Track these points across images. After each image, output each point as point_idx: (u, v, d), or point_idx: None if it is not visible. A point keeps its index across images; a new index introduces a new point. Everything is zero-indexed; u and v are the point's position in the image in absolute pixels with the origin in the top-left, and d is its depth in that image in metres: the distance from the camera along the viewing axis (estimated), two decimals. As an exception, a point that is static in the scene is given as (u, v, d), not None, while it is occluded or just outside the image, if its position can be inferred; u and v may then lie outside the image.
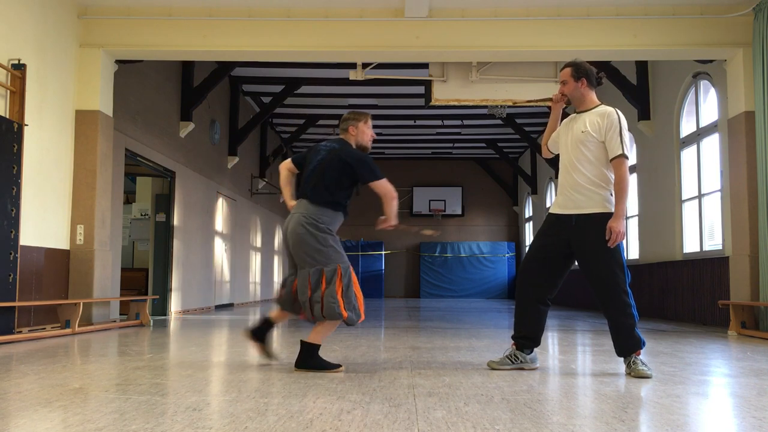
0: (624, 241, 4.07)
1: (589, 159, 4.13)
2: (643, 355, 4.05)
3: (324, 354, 4.50)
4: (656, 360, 4.78)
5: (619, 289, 4.01)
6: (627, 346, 4.03)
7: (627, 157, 4.04)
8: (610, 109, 4.16)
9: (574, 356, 5.15)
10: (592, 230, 4.04)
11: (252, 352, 4.92)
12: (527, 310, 4.25)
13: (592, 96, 4.26)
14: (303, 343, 4.08)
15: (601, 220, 4.03)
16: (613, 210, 4.04)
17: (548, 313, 4.30)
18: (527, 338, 4.22)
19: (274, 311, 4.36)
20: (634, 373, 3.91)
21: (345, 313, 3.94)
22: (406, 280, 22.78)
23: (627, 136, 4.08)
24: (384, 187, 4.15)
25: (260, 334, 4.32)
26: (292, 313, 4.26)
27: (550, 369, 4.30)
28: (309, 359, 4.04)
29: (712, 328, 8.08)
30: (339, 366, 4.10)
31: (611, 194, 4.07)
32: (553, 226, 4.26)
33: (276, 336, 6.28)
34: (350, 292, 4.00)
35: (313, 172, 4.19)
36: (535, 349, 4.31)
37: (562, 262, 4.23)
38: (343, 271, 4.00)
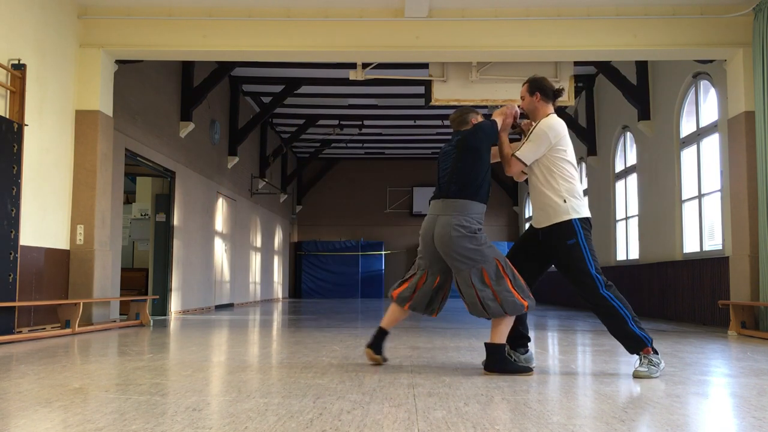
0: (588, 248, 4.11)
1: (537, 170, 4.21)
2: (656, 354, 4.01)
3: (324, 353, 4.51)
4: (656, 360, 4.78)
5: (594, 294, 4.04)
6: (628, 346, 4.03)
7: (520, 160, 4.14)
8: (547, 118, 4.22)
9: (574, 356, 5.15)
10: (554, 244, 4.13)
11: (251, 352, 4.91)
12: None
13: (546, 109, 4.33)
14: (488, 345, 4.00)
15: (558, 231, 4.10)
16: (566, 217, 4.08)
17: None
18: (512, 337, 4.21)
19: (386, 318, 4.27)
20: (634, 373, 3.91)
21: (525, 303, 3.93)
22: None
23: (540, 143, 4.12)
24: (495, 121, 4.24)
25: (379, 346, 4.26)
26: (425, 314, 4.23)
27: (550, 369, 4.30)
28: (498, 362, 3.96)
29: (712, 328, 8.07)
30: (530, 369, 4.00)
31: (564, 200, 4.09)
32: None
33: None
34: (518, 281, 3.98)
35: (446, 170, 4.16)
36: (531, 349, 4.32)
37: (543, 264, 4.35)
38: (504, 263, 4.00)
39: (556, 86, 4.43)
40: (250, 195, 16.43)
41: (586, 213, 4.17)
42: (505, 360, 4.01)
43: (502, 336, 3.99)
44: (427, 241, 4.14)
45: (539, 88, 4.32)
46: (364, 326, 7.97)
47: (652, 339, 4.05)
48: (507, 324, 3.99)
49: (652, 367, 3.89)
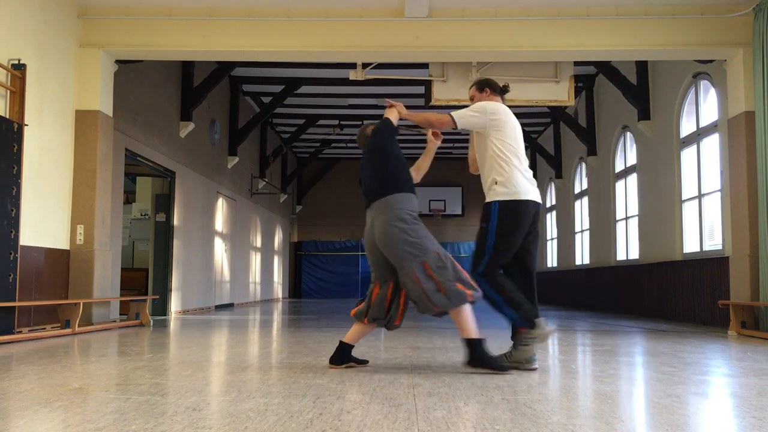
0: (494, 236, 4.17)
1: (480, 152, 4.39)
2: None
3: (324, 353, 4.51)
4: (656, 360, 4.78)
5: (471, 270, 4.20)
6: (512, 329, 4.22)
7: (451, 117, 4.26)
8: (492, 101, 4.42)
9: (574, 356, 5.15)
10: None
11: (251, 352, 4.91)
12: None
13: (495, 100, 4.48)
14: (464, 341, 4.00)
15: (483, 210, 4.30)
16: (489, 198, 4.25)
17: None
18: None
19: (349, 334, 4.24)
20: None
21: (469, 292, 3.92)
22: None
23: (473, 111, 4.28)
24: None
25: (341, 358, 4.21)
26: (386, 325, 4.16)
27: (550, 369, 4.30)
28: (478, 357, 3.95)
29: (712, 328, 8.07)
30: (507, 369, 3.98)
31: (495, 182, 4.24)
32: None
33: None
34: (460, 273, 3.96)
35: (366, 179, 4.28)
36: (534, 350, 4.30)
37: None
38: (443, 255, 3.99)
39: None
40: (250, 195, 16.43)
41: (518, 196, 4.19)
42: (486, 355, 3.99)
43: (470, 329, 3.97)
44: (372, 250, 4.18)
45: (488, 85, 4.50)
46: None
47: (531, 315, 4.11)
48: (466, 315, 3.97)
49: (520, 347, 4.11)
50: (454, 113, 4.31)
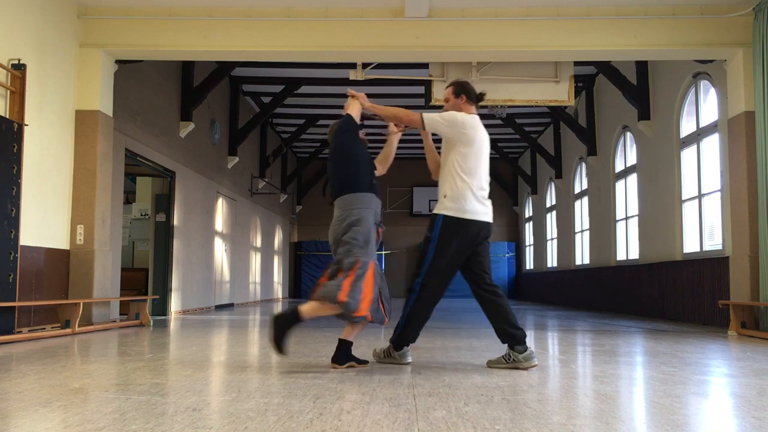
0: (435, 248, 4.26)
1: (443, 161, 4.43)
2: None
3: (324, 353, 4.50)
4: (656, 360, 4.78)
5: (411, 280, 4.37)
6: (393, 335, 4.41)
7: (421, 118, 4.31)
8: (467, 114, 4.42)
9: (574, 356, 5.15)
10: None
11: (251, 352, 4.91)
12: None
13: (468, 110, 4.49)
14: (295, 312, 4.02)
15: (430, 218, 4.35)
16: (436, 211, 4.31)
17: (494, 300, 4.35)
18: (506, 336, 4.25)
19: (345, 331, 4.29)
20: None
21: (343, 298, 3.89)
22: (407, 280, 22.76)
23: (446, 119, 4.30)
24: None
25: (342, 357, 4.24)
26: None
27: (550, 369, 4.30)
28: (279, 324, 3.99)
29: (712, 328, 8.07)
30: (365, 362, 4.10)
31: (444, 195, 4.30)
32: None
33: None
34: (358, 285, 3.95)
35: (329, 179, 4.36)
36: (531, 347, 4.31)
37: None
38: (362, 266, 3.98)
39: (489, 99, 4.67)
40: (250, 195, 16.43)
41: (462, 215, 4.24)
42: (284, 327, 4.01)
43: (310, 311, 3.98)
44: (332, 244, 4.23)
45: (465, 92, 4.50)
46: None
47: (405, 340, 4.36)
48: (320, 308, 3.98)
49: (389, 357, 4.38)
50: (425, 115, 4.33)
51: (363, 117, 4.53)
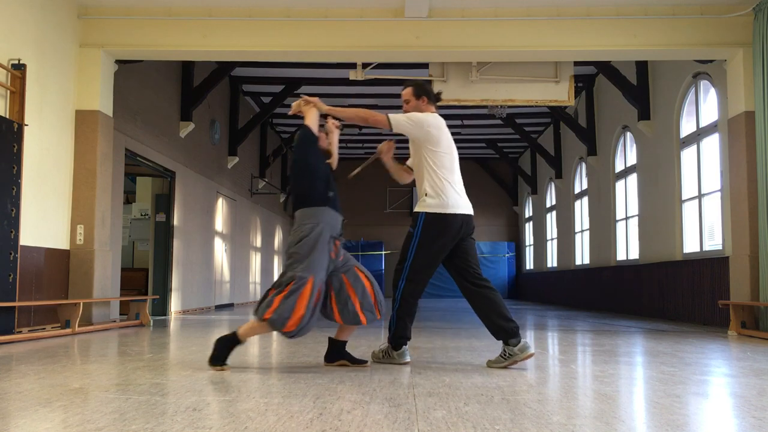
0: (417, 243, 4.35)
1: (416, 162, 4.49)
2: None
3: (323, 353, 4.50)
4: (656, 360, 4.78)
5: (395, 278, 4.42)
6: (389, 335, 4.43)
7: (387, 118, 4.34)
8: (429, 113, 4.49)
9: (574, 356, 5.15)
10: None
11: (251, 352, 4.91)
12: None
13: (430, 110, 4.56)
14: (235, 333, 4.08)
15: (413, 216, 4.41)
16: (418, 209, 4.37)
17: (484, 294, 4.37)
18: (501, 330, 4.26)
19: (336, 332, 4.39)
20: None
21: (268, 316, 3.91)
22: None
23: (411, 119, 4.36)
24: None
25: (334, 356, 4.35)
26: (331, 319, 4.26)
27: (550, 369, 4.30)
28: (219, 347, 4.07)
29: (712, 328, 8.07)
30: (225, 364, 4.07)
31: (426, 194, 4.37)
32: None
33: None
34: (288, 301, 3.92)
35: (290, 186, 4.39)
36: (525, 339, 4.32)
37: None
38: (299, 283, 3.96)
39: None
40: (250, 195, 16.42)
41: (444, 209, 4.31)
42: (224, 348, 4.08)
43: (246, 332, 4.05)
44: None
45: (425, 93, 4.56)
46: (364, 326, 7.97)
47: (402, 338, 4.39)
48: (257, 328, 4.04)
49: (386, 356, 4.41)
50: (392, 116, 4.36)
51: (322, 122, 4.49)
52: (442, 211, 4.30)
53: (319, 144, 4.31)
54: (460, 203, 4.36)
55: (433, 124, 4.39)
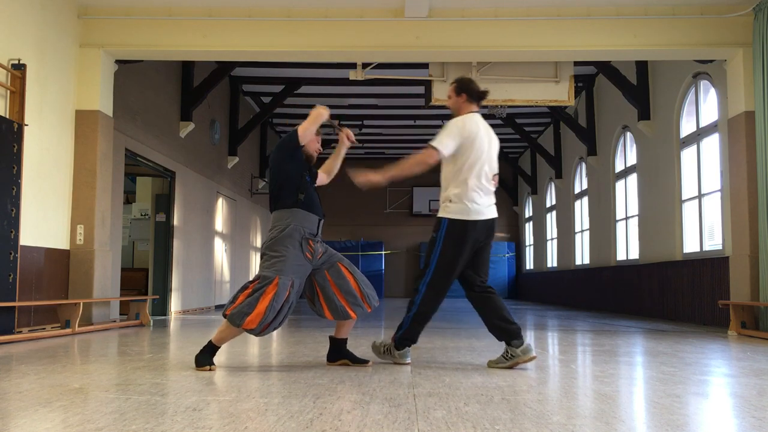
0: (441, 247, 4.28)
1: (444, 167, 4.41)
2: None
3: (323, 353, 4.50)
4: (656, 360, 4.78)
5: (416, 281, 4.39)
6: (397, 329, 4.41)
7: (435, 149, 4.21)
8: (464, 116, 4.39)
9: (574, 356, 5.15)
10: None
11: (251, 352, 4.90)
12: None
13: (469, 108, 4.47)
14: (206, 345, 4.12)
15: (436, 220, 4.36)
16: (441, 213, 4.32)
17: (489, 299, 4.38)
18: (503, 332, 4.27)
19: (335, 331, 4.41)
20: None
21: (228, 312, 3.96)
22: (406, 280, 22.78)
23: (451, 135, 4.25)
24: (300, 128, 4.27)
25: (335, 355, 4.37)
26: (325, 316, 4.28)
27: (550, 369, 4.30)
28: (200, 359, 4.09)
29: (712, 328, 8.07)
30: (212, 364, 4.08)
31: (450, 200, 4.29)
32: None
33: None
34: (250, 299, 3.94)
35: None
36: (528, 340, 4.33)
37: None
38: (264, 282, 3.97)
39: (494, 102, 4.64)
40: (250, 195, 16.43)
41: (467, 216, 4.26)
42: (204, 354, 4.09)
43: (219, 338, 4.08)
44: None
45: (466, 90, 4.46)
46: (363, 326, 7.98)
47: (408, 340, 4.40)
48: (225, 330, 4.06)
49: (389, 355, 4.42)
50: (436, 144, 4.24)
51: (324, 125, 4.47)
52: (465, 218, 4.24)
53: (304, 149, 4.26)
54: (484, 205, 4.29)
55: (467, 127, 4.27)
